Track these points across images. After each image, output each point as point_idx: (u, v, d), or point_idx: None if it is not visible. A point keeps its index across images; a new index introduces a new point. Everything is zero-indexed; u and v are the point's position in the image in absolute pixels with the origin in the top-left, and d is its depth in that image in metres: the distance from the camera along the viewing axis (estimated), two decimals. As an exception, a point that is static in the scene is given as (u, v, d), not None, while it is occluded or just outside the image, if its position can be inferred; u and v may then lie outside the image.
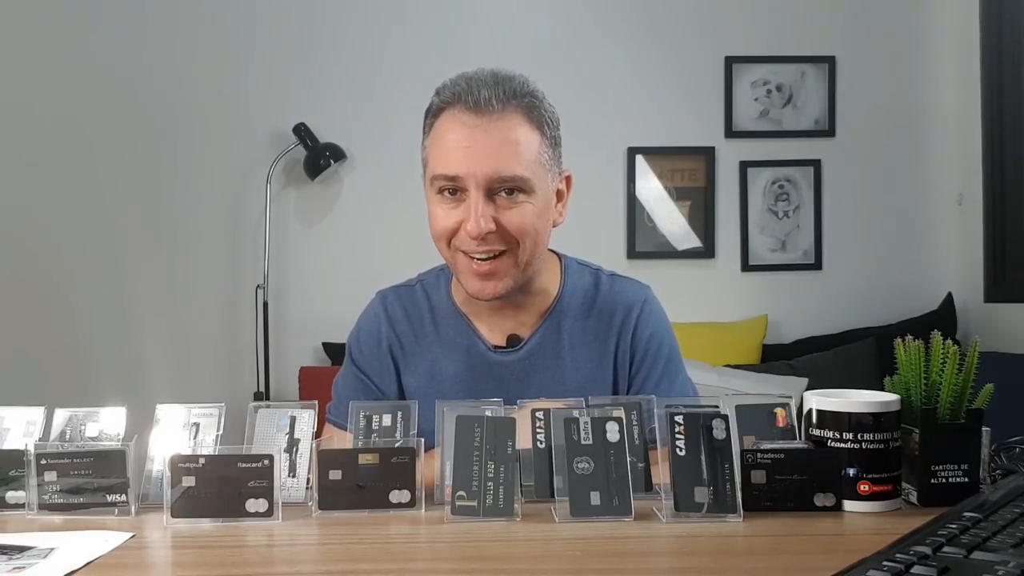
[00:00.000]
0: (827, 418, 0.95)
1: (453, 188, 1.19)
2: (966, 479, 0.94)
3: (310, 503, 0.97)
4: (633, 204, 3.22)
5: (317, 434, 1.07)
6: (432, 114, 1.24)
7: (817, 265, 3.24)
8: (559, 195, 1.28)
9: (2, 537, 0.89)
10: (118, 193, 3.14)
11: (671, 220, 3.23)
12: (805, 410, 0.98)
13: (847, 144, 3.24)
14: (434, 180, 1.21)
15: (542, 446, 1.00)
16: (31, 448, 0.98)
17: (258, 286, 3.03)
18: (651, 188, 3.23)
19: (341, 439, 1.13)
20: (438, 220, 1.22)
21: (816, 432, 0.96)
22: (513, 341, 1.30)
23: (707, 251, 3.24)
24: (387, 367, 1.33)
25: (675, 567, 0.82)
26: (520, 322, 1.31)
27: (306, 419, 1.05)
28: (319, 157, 3.03)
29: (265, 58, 3.16)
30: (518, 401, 1.06)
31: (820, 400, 0.96)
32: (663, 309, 1.36)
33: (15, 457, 0.99)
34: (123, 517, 0.97)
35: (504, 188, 1.18)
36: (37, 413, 1.06)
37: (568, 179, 1.30)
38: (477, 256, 1.20)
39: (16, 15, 3.12)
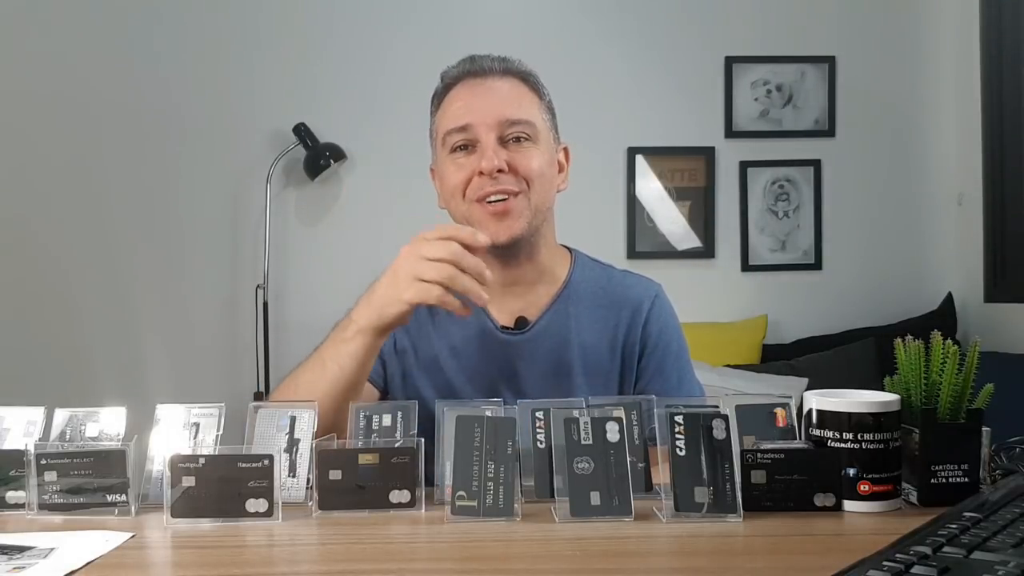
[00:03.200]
0: (827, 418, 0.95)
1: (465, 143, 1.25)
2: (966, 479, 0.94)
3: (310, 503, 0.97)
4: (633, 204, 3.22)
5: (318, 424, 1.07)
6: (439, 95, 1.32)
7: (817, 265, 3.24)
8: (560, 166, 1.34)
9: (2, 537, 0.89)
10: (118, 193, 3.13)
11: (671, 220, 3.24)
12: (805, 410, 0.98)
13: (847, 144, 3.24)
14: (447, 137, 1.27)
15: (542, 446, 1.00)
16: (31, 448, 0.98)
17: (258, 286, 3.03)
18: (651, 188, 3.23)
19: None
20: (451, 175, 1.27)
21: (816, 432, 0.96)
22: (521, 323, 1.31)
23: (707, 251, 3.24)
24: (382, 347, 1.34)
25: (675, 567, 0.82)
26: (529, 303, 1.33)
27: (306, 419, 1.05)
28: (319, 157, 3.03)
29: (265, 58, 3.16)
30: (518, 401, 1.06)
31: (820, 400, 0.96)
32: (673, 307, 1.38)
33: (15, 457, 0.99)
34: (123, 517, 0.96)
35: (513, 134, 1.25)
36: (37, 413, 1.06)
37: (566, 151, 1.37)
38: (492, 199, 1.24)
39: (17, 15, 3.12)
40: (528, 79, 1.30)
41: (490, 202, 1.24)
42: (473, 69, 1.28)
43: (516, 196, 1.24)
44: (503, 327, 1.31)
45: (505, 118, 1.24)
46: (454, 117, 1.26)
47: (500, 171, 1.22)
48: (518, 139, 1.25)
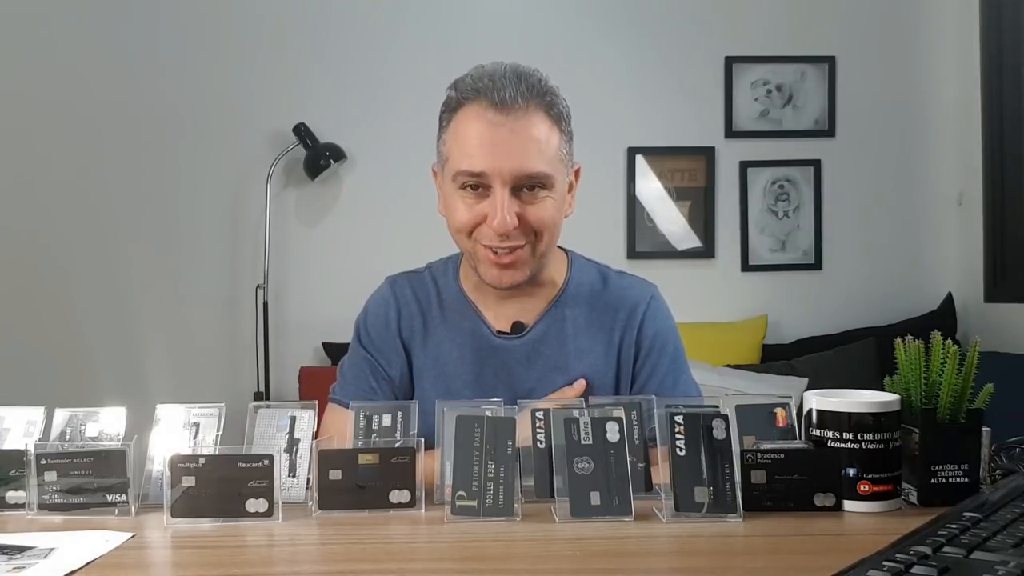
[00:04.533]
0: (827, 418, 0.95)
1: (476, 184, 1.21)
2: (966, 479, 0.94)
3: (310, 503, 0.97)
4: (633, 204, 3.21)
5: (318, 424, 1.07)
6: (451, 109, 1.24)
7: (817, 265, 3.24)
8: (569, 187, 1.31)
9: (2, 537, 0.89)
10: (119, 193, 3.13)
11: (671, 220, 3.23)
12: (805, 410, 0.98)
13: (847, 144, 3.24)
14: (458, 176, 1.22)
15: (542, 446, 1.00)
16: (31, 448, 0.98)
17: (258, 286, 3.03)
18: (651, 188, 3.23)
19: (346, 418, 1.14)
20: (460, 214, 1.24)
21: (816, 432, 0.96)
22: (517, 328, 1.31)
23: (707, 251, 3.23)
24: (395, 350, 1.34)
25: (675, 567, 0.82)
26: (525, 309, 1.32)
27: (306, 419, 1.05)
28: (319, 157, 3.03)
29: (265, 58, 3.15)
30: (518, 401, 1.06)
31: (820, 400, 0.96)
32: (669, 308, 1.37)
33: (15, 457, 0.99)
34: (123, 517, 0.97)
35: (527, 185, 1.20)
36: (37, 413, 1.06)
37: (577, 171, 1.34)
38: (498, 249, 1.22)
39: (19, 15, 3.12)
40: (552, 108, 1.21)
41: (497, 251, 1.22)
42: (493, 99, 1.17)
43: (523, 247, 1.23)
44: (499, 332, 1.31)
45: (523, 171, 1.18)
46: (469, 159, 1.19)
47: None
48: (532, 187, 1.20)
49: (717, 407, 0.97)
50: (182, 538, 0.90)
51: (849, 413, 0.93)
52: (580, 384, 1.26)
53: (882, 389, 1.00)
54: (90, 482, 0.97)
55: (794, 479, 0.93)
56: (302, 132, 3.04)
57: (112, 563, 0.82)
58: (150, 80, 3.13)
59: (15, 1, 3.13)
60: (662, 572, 0.81)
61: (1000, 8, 2.97)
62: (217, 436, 1.04)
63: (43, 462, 0.97)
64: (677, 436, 0.92)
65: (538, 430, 1.01)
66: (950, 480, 0.94)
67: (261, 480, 0.94)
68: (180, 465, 0.94)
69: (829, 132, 3.24)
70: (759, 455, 0.94)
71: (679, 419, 0.92)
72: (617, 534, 0.88)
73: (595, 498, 0.92)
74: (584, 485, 0.92)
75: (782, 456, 0.94)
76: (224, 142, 3.15)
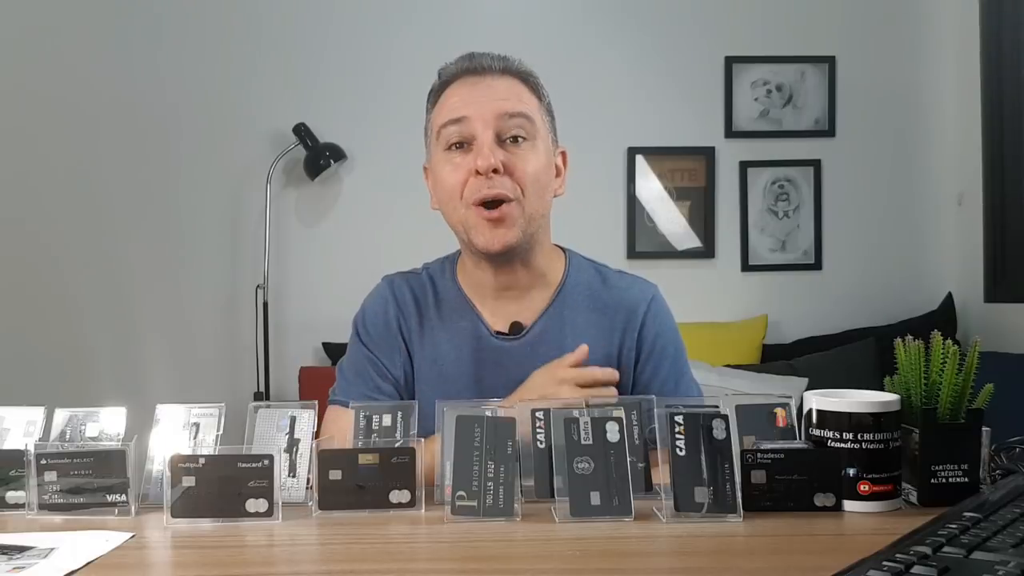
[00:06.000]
0: (827, 418, 0.95)
1: (460, 140, 1.24)
2: (966, 479, 0.94)
3: (310, 503, 0.97)
4: (633, 204, 3.21)
5: (318, 424, 1.07)
6: (435, 92, 1.30)
7: (817, 265, 3.24)
8: (557, 170, 1.32)
9: (2, 537, 0.89)
10: (119, 192, 3.13)
11: (671, 220, 3.23)
12: (805, 410, 0.98)
13: (847, 144, 3.24)
14: (442, 130, 1.25)
15: (542, 446, 1.00)
16: (31, 448, 0.98)
17: (258, 286, 3.03)
18: (651, 188, 3.23)
19: (348, 420, 1.12)
20: (447, 176, 1.25)
21: (816, 432, 0.96)
22: (516, 328, 1.31)
23: (707, 251, 3.23)
24: (397, 348, 1.33)
25: (675, 567, 0.82)
26: (523, 308, 1.31)
27: (306, 419, 1.05)
28: (319, 157, 3.03)
29: (265, 58, 3.16)
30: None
31: (820, 400, 0.96)
32: (669, 308, 1.36)
33: (15, 457, 0.99)
34: (123, 517, 0.97)
35: (511, 131, 1.23)
36: (37, 413, 1.07)
37: (564, 155, 1.35)
38: (487, 202, 1.22)
39: (19, 15, 3.12)
40: (528, 79, 1.28)
41: (486, 207, 1.22)
42: (472, 67, 1.26)
43: (511, 203, 1.22)
44: (497, 332, 1.31)
45: (503, 111, 1.22)
46: (450, 110, 1.24)
47: (495, 171, 1.20)
48: (516, 139, 1.23)
49: (717, 407, 0.97)
50: (182, 538, 0.90)
51: (849, 413, 0.93)
52: (583, 349, 1.22)
53: (882, 389, 1.00)
54: (90, 482, 0.97)
55: (794, 479, 0.93)
56: (302, 132, 3.04)
57: (112, 563, 0.82)
58: (150, 80, 3.13)
59: (16, 1, 3.13)
60: (662, 572, 0.81)
61: (1000, 8, 2.97)
62: (217, 436, 1.04)
63: (43, 462, 0.97)
64: (677, 436, 0.92)
65: (538, 430, 1.01)
66: (950, 480, 0.94)
67: (261, 480, 0.94)
68: (180, 465, 0.94)
69: (829, 132, 3.24)
70: (759, 455, 0.94)
71: (679, 419, 0.92)
72: (617, 534, 0.88)
73: (595, 498, 0.92)
74: (584, 485, 0.92)
75: (782, 456, 0.94)
76: (224, 142, 3.15)
